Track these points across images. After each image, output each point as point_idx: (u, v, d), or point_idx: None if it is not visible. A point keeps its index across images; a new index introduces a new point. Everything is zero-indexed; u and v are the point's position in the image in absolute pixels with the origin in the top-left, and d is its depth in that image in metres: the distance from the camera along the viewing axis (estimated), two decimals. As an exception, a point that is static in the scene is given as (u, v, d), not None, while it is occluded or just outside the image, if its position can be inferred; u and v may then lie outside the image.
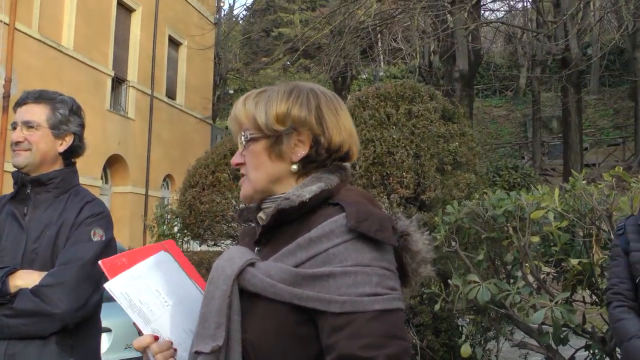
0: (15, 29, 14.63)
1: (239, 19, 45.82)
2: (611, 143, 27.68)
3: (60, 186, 2.49)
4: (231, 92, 40.00)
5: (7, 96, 14.23)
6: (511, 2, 30.42)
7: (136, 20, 20.74)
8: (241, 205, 1.62)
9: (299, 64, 25.92)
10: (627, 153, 25.93)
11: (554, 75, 25.98)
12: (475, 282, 3.66)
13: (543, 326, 3.81)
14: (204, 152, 27.19)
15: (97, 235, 2.39)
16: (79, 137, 2.58)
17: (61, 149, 2.52)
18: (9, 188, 14.60)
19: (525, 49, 30.01)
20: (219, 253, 7.21)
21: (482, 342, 4.16)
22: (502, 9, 29.69)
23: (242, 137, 1.53)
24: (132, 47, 20.58)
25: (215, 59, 27.63)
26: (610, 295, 2.95)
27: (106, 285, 1.51)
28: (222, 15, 31.90)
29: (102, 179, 18.39)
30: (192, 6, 24.30)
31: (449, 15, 16.97)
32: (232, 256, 1.42)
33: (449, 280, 3.99)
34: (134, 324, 1.50)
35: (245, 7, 56.63)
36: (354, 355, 1.24)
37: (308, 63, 30.23)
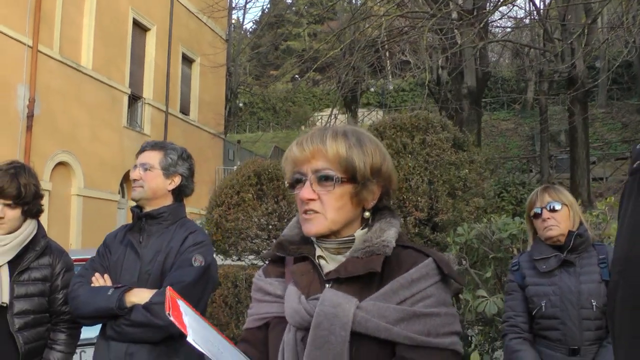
0: (38, 51, 15.14)
1: (248, 33, 46.21)
2: (619, 157, 27.27)
3: (168, 219, 3.00)
4: (241, 105, 40.33)
5: (30, 116, 14.66)
6: (518, 17, 30.70)
7: (151, 39, 21.27)
8: (281, 236, 1.66)
9: (307, 77, 26.18)
10: (635, 167, 25.83)
11: (560, 93, 26.00)
12: (483, 296, 4.05)
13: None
14: (216, 166, 26.85)
15: (198, 261, 2.86)
16: (186, 179, 3.10)
17: (170, 187, 3.05)
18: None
19: (533, 63, 30.23)
20: (243, 267, 7.47)
21: (489, 351, 4.48)
22: (509, 23, 29.93)
23: (332, 178, 1.52)
24: (148, 65, 21.10)
25: (226, 73, 28.06)
26: (506, 328, 3.25)
27: (189, 339, 1.48)
28: (232, 29, 32.30)
29: (119, 193, 18.82)
30: (205, 24, 24.77)
31: (456, 31, 17.27)
32: (338, 302, 1.44)
33: (460, 295, 4.38)
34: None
35: (254, 21, 57.14)
36: None
37: (317, 76, 30.54)
